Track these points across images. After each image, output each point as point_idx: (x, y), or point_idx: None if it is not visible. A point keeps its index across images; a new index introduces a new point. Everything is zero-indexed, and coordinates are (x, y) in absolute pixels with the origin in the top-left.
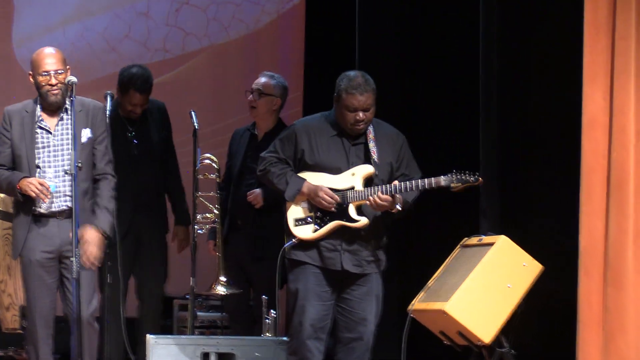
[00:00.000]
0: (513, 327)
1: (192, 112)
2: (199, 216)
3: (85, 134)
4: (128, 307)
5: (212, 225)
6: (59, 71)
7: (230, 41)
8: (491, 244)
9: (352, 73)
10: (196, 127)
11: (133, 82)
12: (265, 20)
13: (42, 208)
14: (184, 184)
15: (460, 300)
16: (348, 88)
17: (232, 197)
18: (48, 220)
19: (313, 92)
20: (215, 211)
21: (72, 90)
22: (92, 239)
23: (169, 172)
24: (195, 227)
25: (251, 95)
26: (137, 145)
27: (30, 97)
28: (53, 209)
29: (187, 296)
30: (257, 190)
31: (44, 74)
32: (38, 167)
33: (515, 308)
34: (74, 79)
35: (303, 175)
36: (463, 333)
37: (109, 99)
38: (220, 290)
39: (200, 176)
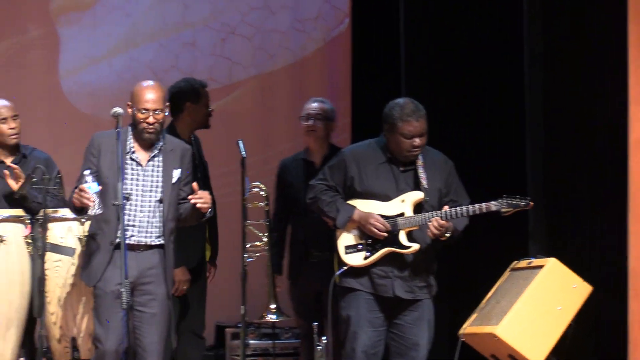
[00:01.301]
0: (563, 349)
1: (240, 142)
2: (248, 245)
3: (176, 174)
4: None
5: (263, 253)
6: (158, 111)
7: (276, 70)
8: (541, 267)
9: (401, 101)
10: (244, 156)
11: (195, 82)
12: (311, 47)
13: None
14: (233, 213)
15: (511, 323)
16: (403, 116)
17: (304, 228)
18: (127, 251)
19: (361, 118)
20: (265, 239)
21: (117, 122)
22: (205, 194)
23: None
24: (245, 255)
25: (311, 120)
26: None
27: (75, 128)
28: (132, 241)
29: (238, 324)
30: None
31: (143, 111)
32: (127, 199)
33: (565, 330)
34: (120, 110)
35: (353, 202)
36: (514, 356)
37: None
38: (272, 318)
39: (249, 205)
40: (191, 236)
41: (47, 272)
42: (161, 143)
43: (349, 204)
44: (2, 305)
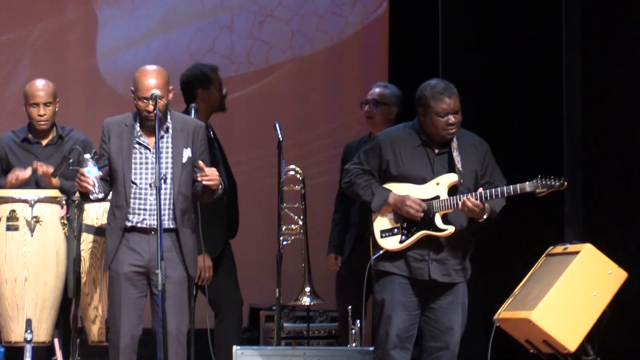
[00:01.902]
0: (598, 335)
1: (277, 124)
2: (284, 227)
3: (186, 153)
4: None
5: (298, 236)
6: (157, 96)
7: (314, 53)
8: (576, 253)
9: (432, 81)
10: (281, 139)
11: (205, 68)
12: (349, 31)
13: (131, 222)
14: (269, 196)
15: (546, 309)
16: (435, 94)
17: (359, 210)
18: (140, 235)
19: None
20: (300, 222)
21: (155, 103)
22: (212, 171)
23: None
24: (281, 238)
25: (367, 106)
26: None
27: (113, 110)
28: (145, 225)
29: (273, 307)
30: None
31: (143, 99)
32: (134, 183)
33: (600, 316)
34: (157, 92)
35: (388, 186)
36: (549, 341)
37: (193, 111)
38: (306, 301)
39: (285, 188)
40: (211, 225)
41: (82, 253)
42: (169, 124)
43: (384, 188)
44: (37, 286)
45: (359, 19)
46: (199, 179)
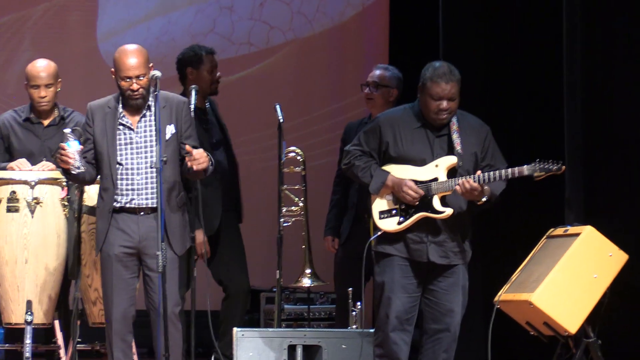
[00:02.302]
0: (599, 317)
1: (277, 106)
2: (284, 209)
3: (169, 130)
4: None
5: (298, 218)
6: (141, 77)
7: (314, 34)
8: (577, 235)
9: (437, 63)
10: (281, 120)
11: (199, 49)
12: (349, 13)
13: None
14: (269, 178)
15: (546, 291)
16: (433, 77)
17: (357, 192)
18: (128, 215)
19: None
20: (301, 204)
21: (156, 85)
22: (200, 150)
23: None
24: (281, 220)
25: (367, 89)
26: (214, 134)
27: (113, 91)
28: (133, 205)
29: (273, 289)
30: None
31: (126, 79)
32: (120, 164)
33: (600, 298)
34: (158, 73)
35: (387, 167)
36: (549, 323)
37: (193, 92)
38: (307, 282)
39: (285, 169)
40: (205, 203)
41: (82, 234)
42: (150, 102)
43: (382, 170)
44: (37, 268)
45: (359, 1)
46: (188, 164)
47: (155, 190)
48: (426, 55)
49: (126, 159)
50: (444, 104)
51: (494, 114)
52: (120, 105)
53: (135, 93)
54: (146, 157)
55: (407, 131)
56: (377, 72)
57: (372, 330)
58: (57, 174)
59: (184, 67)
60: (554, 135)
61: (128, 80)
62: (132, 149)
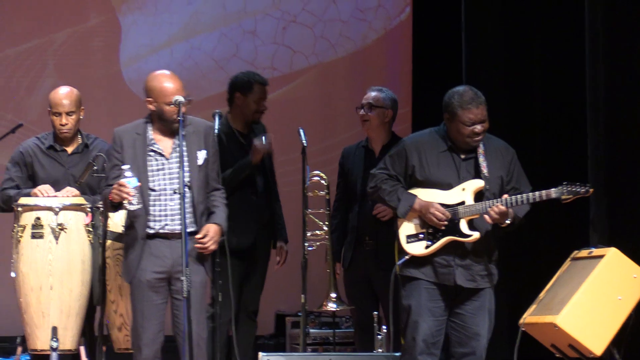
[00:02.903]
0: (624, 338)
1: (301, 130)
2: (309, 233)
3: (202, 155)
4: None
5: (322, 242)
6: (184, 99)
7: (337, 59)
8: (601, 257)
9: (460, 88)
10: (305, 144)
11: (253, 77)
12: (372, 37)
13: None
14: (293, 202)
15: (571, 313)
16: (462, 103)
17: (357, 215)
18: (161, 241)
19: (421, 107)
20: (325, 228)
21: (179, 109)
22: (212, 232)
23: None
24: (305, 244)
25: (362, 110)
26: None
27: (137, 117)
28: (167, 230)
29: (298, 313)
30: None
31: (171, 104)
32: (152, 190)
33: (626, 319)
34: (181, 98)
35: (414, 191)
36: (574, 346)
37: (217, 118)
38: (332, 306)
39: (309, 193)
40: (238, 219)
41: (107, 260)
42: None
43: (410, 193)
44: (62, 294)
45: (382, 25)
46: (197, 245)
47: (188, 214)
48: (449, 78)
49: (159, 185)
50: (478, 127)
51: (516, 136)
52: (151, 131)
53: (177, 119)
54: (178, 184)
55: (434, 155)
56: (372, 93)
57: (398, 354)
58: (81, 200)
59: (233, 90)
60: (577, 157)
61: (173, 105)
62: (164, 174)
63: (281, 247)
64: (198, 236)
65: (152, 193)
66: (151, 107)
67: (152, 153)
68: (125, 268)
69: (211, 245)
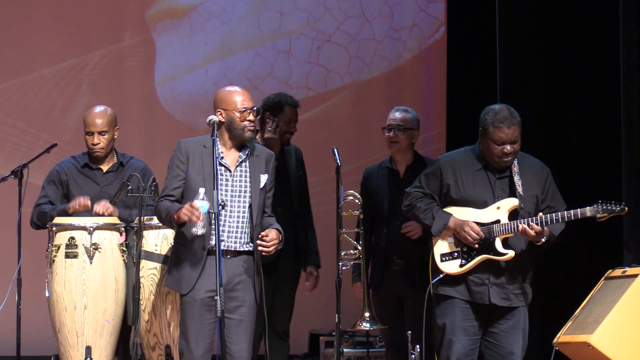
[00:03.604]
0: None
1: (335, 149)
2: (343, 253)
3: (264, 179)
4: None
5: (356, 261)
6: (254, 108)
7: (372, 78)
8: (636, 276)
9: (497, 106)
10: (339, 164)
11: (284, 98)
12: (407, 56)
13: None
14: (328, 221)
15: (605, 333)
16: (495, 122)
17: (385, 235)
18: (215, 258)
19: (456, 126)
20: (359, 247)
21: (213, 129)
22: (274, 234)
23: (302, 212)
24: (340, 263)
25: (391, 132)
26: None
27: (171, 136)
28: (224, 247)
29: (332, 333)
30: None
31: (242, 110)
32: (222, 206)
33: None
34: (215, 118)
35: (449, 209)
36: None
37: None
38: (366, 326)
39: (343, 213)
40: None
41: (141, 279)
42: (248, 149)
43: (444, 212)
44: (96, 313)
45: (416, 44)
46: (259, 248)
47: (245, 234)
48: (484, 97)
49: (230, 202)
50: (508, 147)
51: (551, 154)
52: (219, 146)
53: (251, 124)
54: (239, 201)
55: (469, 173)
56: (397, 114)
57: None
58: (115, 220)
59: (264, 111)
60: (612, 176)
61: (244, 111)
62: (227, 190)
63: (311, 272)
64: (262, 234)
65: (222, 209)
66: (221, 118)
67: (218, 166)
68: (176, 280)
69: (272, 247)
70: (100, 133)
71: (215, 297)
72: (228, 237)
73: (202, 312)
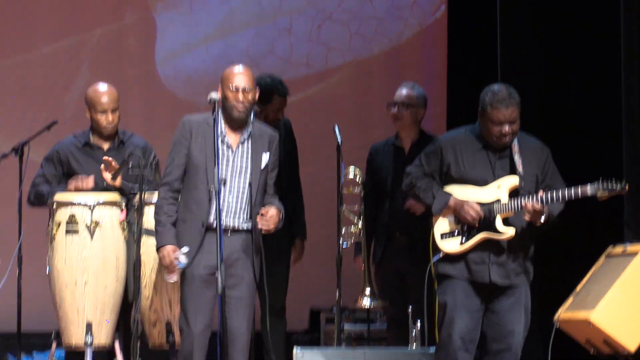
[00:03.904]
0: None
1: (336, 127)
2: (343, 230)
3: (265, 159)
4: None
5: (357, 239)
6: (246, 88)
7: (373, 56)
8: (636, 253)
9: (496, 87)
10: (339, 141)
11: (274, 88)
12: (407, 34)
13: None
14: (328, 199)
15: (605, 310)
16: (493, 102)
17: (388, 211)
18: (214, 235)
19: (456, 105)
20: (359, 225)
21: (214, 107)
22: (274, 210)
23: (291, 186)
24: (340, 240)
25: (395, 108)
26: None
27: (172, 114)
28: (224, 225)
29: (333, 309)
30: None
31: (234, 89)
32: (223, 183)
33: None
34: (216, 96)
35: (448, 189)
36: (609, 342)
37: (252, 114)
38: (366, 302)
39: (344, 190)
40: None
41: (142, 256)
42: (250, 129)
43: (444, 191)
44: (97, 290)
45: (417, 22)
46: (258, 223)
47: (245, 212)
48: (484, 76)
49: (230, 179)
50: (506, 128)
51: (551, 134)
52: (222, 124)
53: (240, 104)
54: (240, 180)
55: (469, 153)
56: (403, 91)
57: (432, 350)
58: (116, 197)
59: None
60: (612, 154)
61: (235, 90)
62: (228, 168)
63: (297, 244)
64: (262, 210)
65: (222, 185)
66: (217, 94)
67: (220, 144)
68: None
69: (272, 223)
70: (112, 111)
71: (216, 274)
72: (227, 214)
73: (201, 289)
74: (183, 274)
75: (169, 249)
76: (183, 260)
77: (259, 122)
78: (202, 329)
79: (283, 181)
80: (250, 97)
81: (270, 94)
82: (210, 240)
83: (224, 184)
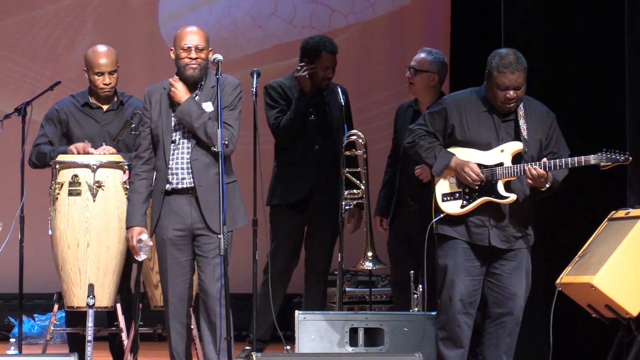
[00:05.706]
0: None
1: (339, 88)
2: (346, 192)
3: (206, 106)
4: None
5: (360, 201)
6: (199, 46)
7: (376, 18)
8: (638, 217)
9: (504, 51)
10: (343, 103)
11: (322, 45)
12: None
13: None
14: None
15: (608, 274)
16: (499, 66)
17: (400, 174)
18: (180, 197)
19: (460, 67)
20: (362, 187)
21: (218, 68)
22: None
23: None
24: (342, 203)
25: (408, 72)
26: (313, 120)
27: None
28: (185, 185)
29: (335, 272)
30: None
31: (185, 47)
32: (173, 142)
33: None
34: (220, 56)
35: (452, 150)
36: (611, 306)
37: (255, 76)
38: (368, 265)
39: (347, 152)
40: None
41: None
42: (203, 82)
43: (447, 151)
44: (99, 251)
45: None
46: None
47: (187, 170)
48: (488, 39)
49: (179, 138)
50: (511, 93)
51: (555, 100)
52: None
53: (193, 62)
54: (187, 138)
55: (474, 115)
56: (420, 55)
57: (434, 313)
58: (119, 158)
59: (303, 55)
60: (616, 121)
61: (187, 48)
62: (182, 128)
63: (352, 212)
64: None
65: (173, 145)
66: (172, 56)
67: (173, 107)
68: (150, 223)
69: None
70: (110, 73)
71: (219, 236)
72: (188, 174)
73: (172, 251)
74: (155, 238)
75: (134, 231)
76: (145, 248)
77: (224, 75)
78: (180, 290)
79: (336, 146)
80: (203, 55)
81: (318, 51)
82: (176, 202)
83: (227, 146)
